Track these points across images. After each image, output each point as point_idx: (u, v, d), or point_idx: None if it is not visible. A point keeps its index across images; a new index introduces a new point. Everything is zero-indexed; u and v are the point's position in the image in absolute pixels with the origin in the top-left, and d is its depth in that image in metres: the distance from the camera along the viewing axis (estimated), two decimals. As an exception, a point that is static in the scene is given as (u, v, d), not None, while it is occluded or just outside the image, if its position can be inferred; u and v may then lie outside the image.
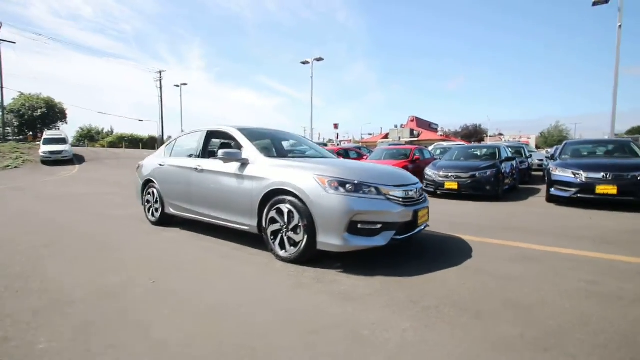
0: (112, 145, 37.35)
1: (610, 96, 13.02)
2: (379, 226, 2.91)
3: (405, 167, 8.92)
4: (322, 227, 2.88)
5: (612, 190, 5.88)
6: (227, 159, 3.67)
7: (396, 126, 39.49)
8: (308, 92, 21.35)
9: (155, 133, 40.25)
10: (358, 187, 2.95)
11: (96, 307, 2.25)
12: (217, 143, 4.72)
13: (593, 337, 1.83)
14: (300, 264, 3.05)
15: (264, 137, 4.28)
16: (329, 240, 2.87)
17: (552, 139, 57.32)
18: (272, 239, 3.28)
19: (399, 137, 35.51)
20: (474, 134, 44.68)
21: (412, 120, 40.27)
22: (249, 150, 3.70)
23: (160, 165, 4.83)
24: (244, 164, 3.62)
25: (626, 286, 2.51)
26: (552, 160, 7.62)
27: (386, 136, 38.85)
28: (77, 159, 21.58)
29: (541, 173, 13.45)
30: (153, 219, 4.95)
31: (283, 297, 2.39)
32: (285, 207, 3.12)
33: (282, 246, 3.20)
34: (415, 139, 34.81)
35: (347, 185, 2.93)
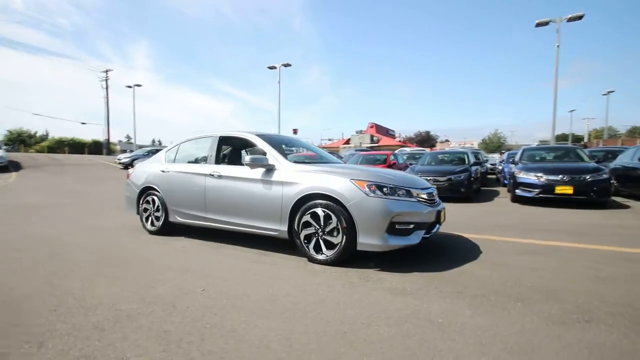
0: (51, 150, 33.73)
1: (535, 107, 14.87)
2: (411, 226, 3.17)
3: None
4: (363, 229, 3.06)
5: (568, 190, 6.82)
6: (254, 164, 3.69)
7: (357, 132, 40.92)
8: (264, 96, 21.68)
9: (101, 137, 37.14)
10: (394, 191, 3.18)
11: (166, 316, 2.19)
12: (228, 149, 4.67)
13: (616, 309, 2.24)
14: (336, 265, 3.19)
15: (281, 143, 4.34)
16: (370, 240, 3.05)
17: (492, 144, 63.06)
18: (305, 243, 3.37)
19: (360, 143, 36.76)
20: (426, 140, 47.71)
21: (372, 127, 41.93)
22: (274, 156, 3.75)
23: (163, 171, 4.65)
24: (271, 169, 3.67)
25: (619, 270, 3.03)
26: (513, 165, 8.58)
27: (348, 141, 39.97)
28: (13, 166, 19.20)
29: (494, 176, 14.92)
30: (152, 229, 4.72)
31: (346, 296, 2.52)
32: (321, 211, 3.24)
33: (317, 249, 3.31)
34: (375, 145, 36.29)
35: (384, 189, 3.15)
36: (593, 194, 6.70)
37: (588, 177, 6.80)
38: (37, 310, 2.31)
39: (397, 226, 3.08)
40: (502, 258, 3.43)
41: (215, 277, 2.98)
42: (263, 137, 4.09)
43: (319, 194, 3.27)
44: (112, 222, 5.64)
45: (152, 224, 4.77)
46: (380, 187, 3.15)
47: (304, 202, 3.37)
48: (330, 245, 3.24)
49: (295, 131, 63.54)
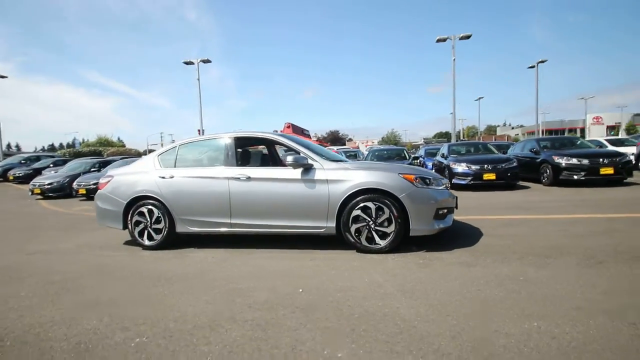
0: None
1: (416, 109, 17.83)
2: (446, 211, 3.72)
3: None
4: (415, 217, 3.46)
5: (492, 176, 8.54)
6: (297, 164, 3.70)
7: (275, 132, 40.70)
8: (152, 91, 19.94)
9: None
10: (433, 182, 3.67)
11: (333, 313, 2.19)
12: (242, 150, 4.44)
13: (605, 252, 3.18)
14: (389, 253, 3.52)
15: (302, 143, 4.38)
16: (422, 227, 3.48)
17: (390, 142, 71.34)
18: (356, 236, 3.60)
19: (279, 143, 36.90)
20: (338, 139, 50.83)
21: (288, 127, 42.22)
22: (310, 155, 3.83)
23: (163, 178, 4.17)
24: (310, 168, 3.74)
25: (576, 229, 4.18)
26: (444, 159, 10.20)
27: (265, 142, 39.66)
28: None
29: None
30: (151, 243, 4.20)
31: (433, 274, 2.88)
32: (372, 204, 3.52)
33: (369, 240, 3.57)
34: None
35: (427, 181, 3.62)
36: (508, 178, 8.58)
37: (504, 165, 8.66)
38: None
39: (439, 212, 3.59)
40: (498, 231, 4.29)
41: (295, 278, 2.97)
42: (288, 137, 4.10)
43: (370, 188, 3.54)
44: (72, 242, 4.74)
45: (150, 238, 4.22)
46: (424, 180, 3.61)
47: (353, 198, 3.59)
48: (383, 235, 3.54)
49: (200, 132, 59.56)
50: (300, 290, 2.67)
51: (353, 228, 3.59)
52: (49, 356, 1.88)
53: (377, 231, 3.55)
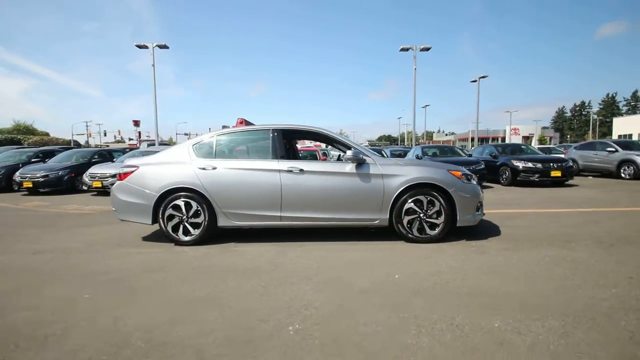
0: None
1: (366, 112, 19.08)
2: (479, 204, 4.18)
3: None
4: (462, 209, 3.84)
5: (465, 176, 9.52)
6: (355, 159, 3.82)
7: (227, 127, 39.21)
8: (71, 72, 18.00)
9: None
10: (472, 178, 4.10)
11: (424, 301, 2.38)
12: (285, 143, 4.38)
13: (602, 238, 3.91)
14: (437, 242, 3.85)
15: (349, 140, 4.45)
16: (467, 218, 3.88)
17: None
18: (408, 227, 3.86)
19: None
20: (289, 138, 50.62)
21: (241, 122, 40.80)
22: (362, 151, 3.98)
23: (204, 169, 3.96)
24: (364, 163, 3.90)
25: (565, 220, 5.00)
26: (417, 159, 11.03)
27: (216, 137, 37.93)
28: None
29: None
30: (188, 238, 3.96)
31: (494, 258, 3.26)
32: (424, 198, 3.82)
33: (420, 231, 3.86)
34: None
35: (469, 177, 4.03)
36: (477, 179, 9.64)
37: (474, 167, 9.70)
38: None
39: (478, 204, 4.03)
40: (505, 223, 4.90)
41: (375, 267, 3.13)
42: (334, 133, 4.20)
43: (424, 183, 3.83)
44: (75, 240, 4.24)
45: (186, 233, 3.98)
46: (467, 176, 4.01)
47: (406, 192, 3.84)
48: (432, 226, 3.86)
49: (136, 122, 54.79)
50: (397, 276, 2.85)
51: (405, 220, 3.85)
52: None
53: (427, 222, 3.86)
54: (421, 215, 3.85)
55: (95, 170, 9.78)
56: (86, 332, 2.02)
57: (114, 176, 9.52)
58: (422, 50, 17.96)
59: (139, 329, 2.05)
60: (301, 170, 3.91)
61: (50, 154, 12.31)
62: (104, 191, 9.34)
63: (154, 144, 19.73)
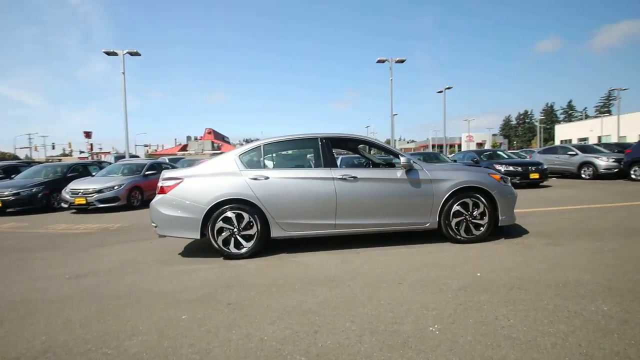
0: None
1: (328, 122, 19.85)
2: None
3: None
4: (503, 210, 4.14)
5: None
6: (407, 165, 3.98)
7: (194, 138, 37.75)
8: (12, 82, 16.85)
9: None
10: (508, 180, 4.43)
11: (522, 295, 2.56)
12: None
13: (617, 230, 4.42)
14: (482, 242, 4.11)
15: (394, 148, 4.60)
16: (507, 218, 4.18)
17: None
18: (457, 229, 4.07)
19: (202, 150, 34.38)
20: (258, 147, 50.08)
21: (210, 133, 39.75)
22: (407, 157, 4.15)
23: (257, 179, 3.89)
24: (413, 169, 4.07)
25: (571, 216, 5.54)
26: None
27: (184, 148, 36.22)
28: None
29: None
30: (241, 251, 3.85)
31: (545, 254, 3.56)
32: (469, 200, 4.07)
33: (467, 232, 4.09)
34: (219, 152, 34.92)
35: (505, 180, 4.36)
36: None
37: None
38: None
39: (514, 205, 4.36)
40: (523, 221, 5.34)
41: (450, 268, 3.28)
42: (380, 142, 4.34)
43: (470, 186, 4.08)
44: (102, 262, 3.97)
45: (238, 246, 3.86)
46: (504, 179, 4.33)
47: (453, 196, 4.06)
48: (477, 227, 4.11)
49: (88, 134, 51.15)
50: (478, 274, 3.01)
51: (454, 222, 4.07)
52: None
53: (472, 223, 4.10)
54: (467, 217, 4.09)
55: (77, 185, 9.01)
56: (237, 354, 1.92)
57: (99, 191, 8.87)
58: (397, 62, 18.91)
59: (283, 342, 1.99)
60: (355, 177, 3.99)
61: (14, 170, 11.11)
62: (85, 209, 8.65)
63: (123, 157, 18.50)
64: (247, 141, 54.43)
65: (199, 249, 4.37)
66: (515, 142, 78.27)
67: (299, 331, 2.13)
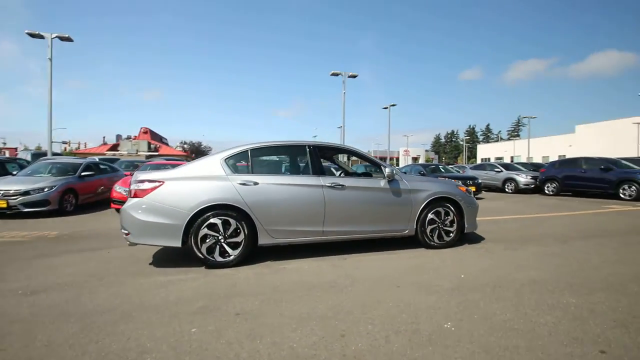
0: None
1: (275, 131, 20.48)
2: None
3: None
4: (468, 218, 4.62)
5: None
6: (391, 175, 4.21)
7: (129, 137, 34.14)
8: None
9: None
10: (471, 192, 4.95)
11: (512, 292, 2.91)
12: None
13: (563, 235, 5.25)
14: (452, 247, 4.52)
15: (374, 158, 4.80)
16: (471, 225, 4.67)
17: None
18: (431, 236, 4.42)
19: (137, 151, 31.37)
20: (201, 152, 47.61)
21: (146, 132, 36.37)
22: (390, 168, 4.41)
23: (246, 184, 3.78)
24: (394, 179, 4.33)
25: (522, 223, 6.38)
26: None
27: (114, 147, 32.57)
28: None
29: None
30: (225, 260, 3.69)
31: (511, 257, 4.06)
32: (442, 209, 4.47)
33: (439, 238, 4.47)
34: (156, 154, 32.21)
35: (469, 191, 4.86)
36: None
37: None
38: None
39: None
40: (483, 228, 5.99)
41: (432, 270, 3.55)
42: (365, 152, 4.53)
43: (442, 197, 4.47)
44: (70, 271, 3.50)
45: (224, 254, 3.69)
46: (468, 191, 4.84)
47: (428, 205, 4.42)
48: (447, 233, 4.52)
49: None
50: (462, 276, 3.33)
51: (428, 229, 4.42)
52: None
53: (444, 230, 4.50)
54: (439, 224, 4.47)
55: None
56: (262, 361, 1.86)
57: (25, 193, 7.63)
58: (350, 77, 19.79)
59: (315, 348, 1.99)
60: (343, 185, 4.11)
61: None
62: (2, 213, 7.36)
63: (43, 154, 16.07)
64: (187, 144, 51.28)
65: (169, 259, 4.05)
66: (444, 158, 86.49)
67: (325, 336, 2.14)
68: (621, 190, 10.55)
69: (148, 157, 29.67)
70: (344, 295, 2.84)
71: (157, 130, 39.95)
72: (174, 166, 10.49)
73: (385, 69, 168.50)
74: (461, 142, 77.46)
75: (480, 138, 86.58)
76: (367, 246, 4.49)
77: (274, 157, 4.36)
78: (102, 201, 9.76)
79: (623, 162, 11.66)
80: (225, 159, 3.96)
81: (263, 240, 3.83)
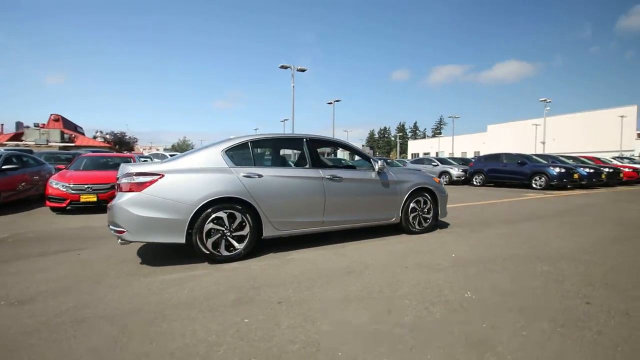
0: None
1: (213, 122, 20.44)
2: (440, 202, 5.69)
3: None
4: (441, 206, 5.20)
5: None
6: (383, 168, 4.53)
7: (36, 125, 28.77)
8: None
9: None
10: (442, 182, 5.54)
11: (498, 265, 3.45)
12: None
13: (516, 217, 6.20)
14: (427, 232, 5.06)
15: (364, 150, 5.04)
16: (443, 212, 5.26)
17: (183, 150, 67.66)
18: (413, 222, 4.89)
19: (47, 141, 26.91)
20: (124, 143, 42.99)
21: (57, 120, 31.12)
22: (382, 161, 4.74)
23: (250, 176, 3.74)
24: (381, 172, 4.67)
25: (465, 211, 7.30)
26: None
27: (17, 137, 27.31)
28: None
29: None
30: (231, 254, 3.64)
31: (478, 239, 4.70)
32: (422, 198, 4.97)
33: (419, 224, 4.96)
34: (72, 145, 28.01)
35: (440, 182, 5.45)
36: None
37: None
38: None
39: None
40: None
41: (426, 253, 3.98)
42: (357, 146, 4.78)
43: (422, 187, 4.96)
44: (49, 276, 3.15)
45: (230, 248, 3.63)
46: (440, 182, 5.42)
47: (412, 195, 4.87)
48: (425, 220, 5.04)
49: None
50: (453, 255, 3.81)
51: (411, 216, 4.88)
52: None
53: (423, 218, 5.01)
54: (419, 212, 4.97)
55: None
56: (355, 338, 1.99)
57: None
58: (299, 70, 19.84)
59: (376, 322, 2.18)
60: (340, 178, 4.30)
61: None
62: None
63: None
64: (109, 134, 45.64)
65: (157, 257, 3.81)
66: (377, 153, 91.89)
67: (374, 314, 2.34)
68: (533, 181, 12.67)
69: (62, 148, 25.82)
70: (365, 278, 3.07)
71: (76, 118, 34.69)
72: (124, 159, 9.56)
73: (322, 65, 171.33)
74: (393, 138, 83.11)
75: (409, 135, 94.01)
76: (357, 234, 4.78)
77: (275, 150, 4.34)
78: (25, 200, 8.45)
79: (534, 157, 13.97)
80: (226, 151, 3.85)
81: (268, 232, 3.85)
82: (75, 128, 35.47)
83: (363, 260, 3.64)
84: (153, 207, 3.34)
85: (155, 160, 9.09)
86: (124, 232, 3.32)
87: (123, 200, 3.33)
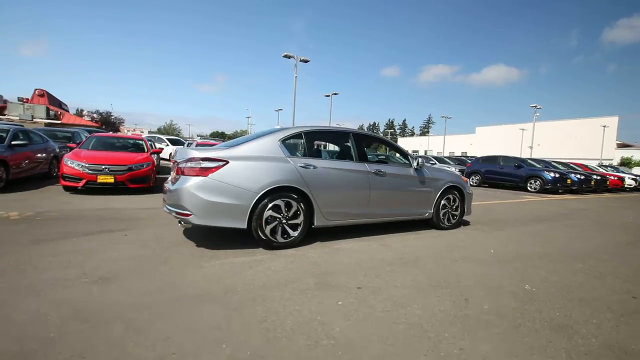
0: None
1: (196, 106, 20.37)
2: (463, 200, 5.97)
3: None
4: (468, 204, 5.47)
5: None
6: (422, 165, 4.73)
7: (20, 100, 27.30)
8: None
9: None
10: (468, 181, 5.80)
11: (538, 261, 3.73)
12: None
13: (531, 218, 6.56)
14: (455, 228, 5.32)
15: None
16: (469, 210, 5.53)
17: (168, 134, 65.96)
18: (443, 219, 5.13)
19: (32, 117, 25.66)
20: (110, 124, 41.57)
21: (42, 95, 29.59)
22: (421, 158, 4.94)
23: (306, 167, 3.86)
24: (419, 169, 4.87)
25: (485, 209, 7.65)
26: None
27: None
28: None
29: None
30: (286, 241, 3.77)
31: (505, 236, 5.00)
32: (452, 195, 5.21)
33: (448, 220, 5.21)
34: (58, 122, 26.83)
35: (466, 180, 5.71)
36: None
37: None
38: None
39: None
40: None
41: (466, 248, 4.23)
42: (397, 144, 4.94)
43: (453, 185, 5.20)
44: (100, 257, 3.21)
45: (285, 235, 3.76)
46: (466, 181, 5.68)
47: (444, 192, 5.10)
48: (453, 216, 5.29)
49: None
50: (492, 250, 4.07)
51: (442, 212, 5.12)
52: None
53: (452, 214, 5.27)
54: (449, 208, 5.22)
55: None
56: (447, 318, 2.18)
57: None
58: (302, 61, 19.73)
59: (456, 307, 2.38)
60: (384, 172, 4.47)
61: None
62: None
63: None
64: (95, 113, 43.88)
65: (211, 240, 3.89)
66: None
67: (454, 301, 2.54)
68: (529, 184, 13.26)
69: (48, 125, 24.73)
70: (425, 270, 3.27)
71: (61, 94, 32.97)
72: (134, 140, 9.33)
73: (310, 55, 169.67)
74: (382, 135, 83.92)
75: (398, 132, 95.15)
76: (390, 228, 4.98)
77: (324, 142, 4.47)
78: (32, 177, 8.24)
79: (530, 160, 14.58)
80: (282, 140, 3.93)
81: (319, 222, 3.98)
82: (60, 105, 33.91)
83: (411, 252, 3.84)
84: (219, 192, 3.41)
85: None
86: (190, 215, 3.38)
87: (190, 184, 3.38)
